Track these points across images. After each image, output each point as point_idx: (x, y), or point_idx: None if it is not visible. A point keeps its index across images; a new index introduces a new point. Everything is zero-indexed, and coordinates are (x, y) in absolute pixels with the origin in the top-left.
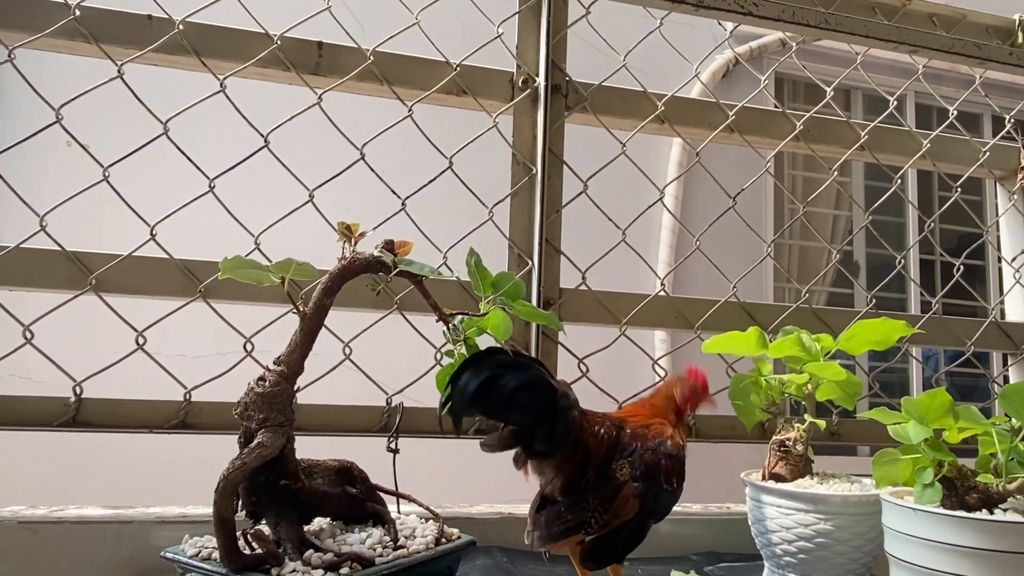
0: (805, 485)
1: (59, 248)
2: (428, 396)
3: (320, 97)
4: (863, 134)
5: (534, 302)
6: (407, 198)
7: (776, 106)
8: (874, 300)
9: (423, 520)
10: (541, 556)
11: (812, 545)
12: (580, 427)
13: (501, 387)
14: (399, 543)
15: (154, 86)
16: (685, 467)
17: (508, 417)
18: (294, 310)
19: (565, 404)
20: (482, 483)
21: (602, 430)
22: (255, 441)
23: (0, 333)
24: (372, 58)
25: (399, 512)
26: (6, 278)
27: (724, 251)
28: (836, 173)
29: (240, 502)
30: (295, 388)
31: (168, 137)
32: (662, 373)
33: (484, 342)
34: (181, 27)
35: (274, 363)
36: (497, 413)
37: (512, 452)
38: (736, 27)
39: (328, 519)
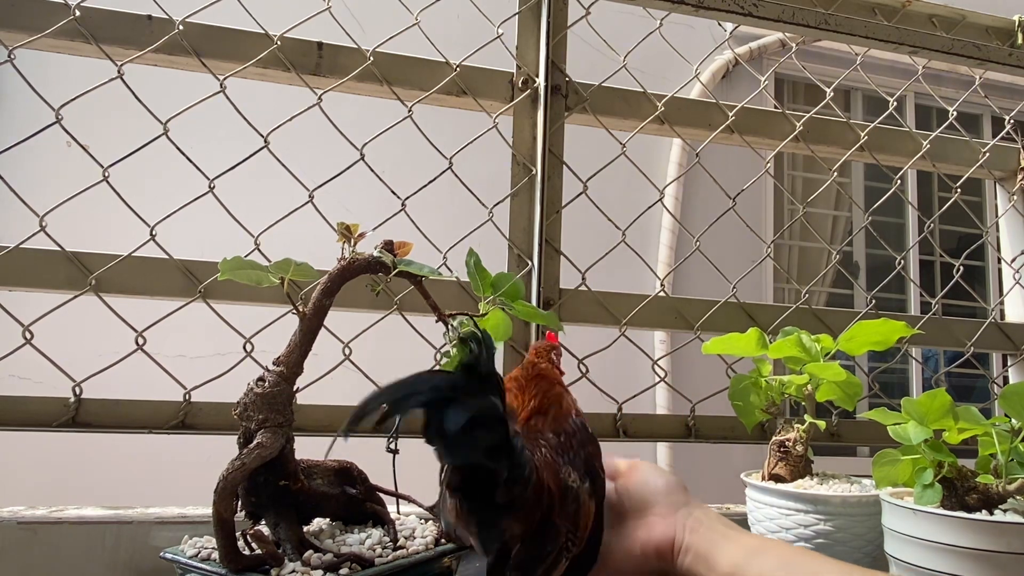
0: (805, 486)
1: (59, 248)
2: None
3: (320, 97)
4: (863, 135)
5: (534, 302)
6: (407, 198)
7: (776, 107)
8: (874, 301)
9: (423, 520)
10: None
11: (812, 546)
12: (535, 466)
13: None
14: (398, 543)
15: (154, 86)
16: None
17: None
18: (293, 311)
19: (519, 444)
20: None
21: (546, 452)
22: (254, 442)
23: (0, 333)
24: (372, 59)
25: (399, 513)
26: (6, 278)
27: (724, 251)
28: (836, 174)
29: (239, 503)
30: (295, 389)
31: (168, 137)
32: (662, 374)
33: None
34: (181, 27)
35: (273, 363)
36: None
37: None
38: (736, 28)
39: (328, 520)
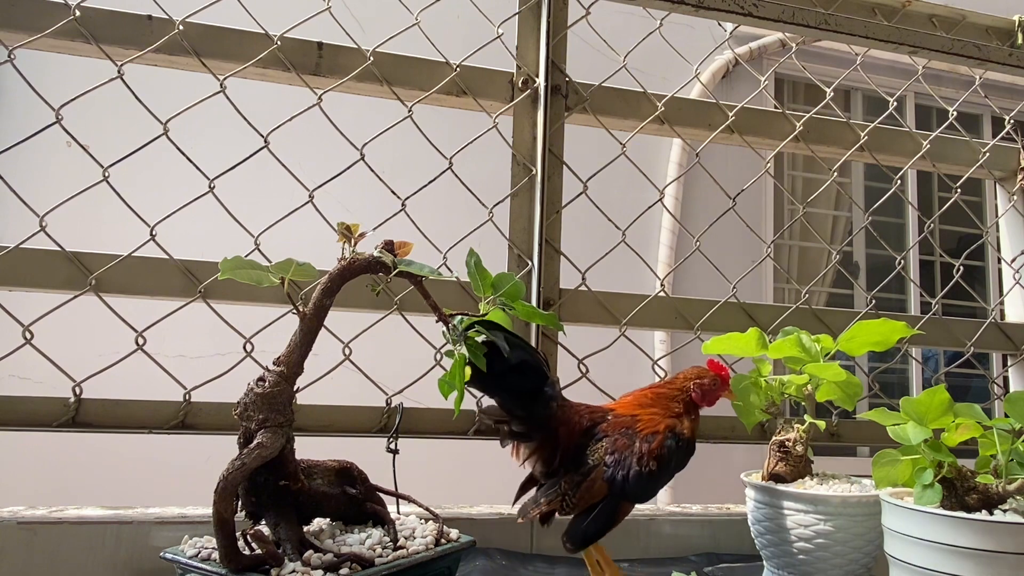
0: (805, 486)
1: (59, 248)
2: (428, 397)
3: (320, 97)
4: (863, 135)
5: (534, 302)
6: (407, 198)
7: (776, 107)
8: (874, 301)
9: (423, 521)
10: (541, 557)
11: (812, 546)
12: (555, 417)
13: (505, 362)
14: (399, 544)
15: (154, 86)
16: (673, 455)
17: (498, 394)
18: (294, 311)
19: (550, 393)
20: (482, 484)
21: (576, 418)
22: (255, 442)
23: (0, 333)
24: (372, 59)
25: (399, 513)
26: (6, 278)
27: (724, 251)
28: (836, 174)
29: (240, 503)
30: (295, 388)
31: (168, 137)
32: (662, 374)
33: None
34: (181, 27)
35: (274, 363)
36: (490, 388)
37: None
38: (736, 28)
39: (328, 520)
